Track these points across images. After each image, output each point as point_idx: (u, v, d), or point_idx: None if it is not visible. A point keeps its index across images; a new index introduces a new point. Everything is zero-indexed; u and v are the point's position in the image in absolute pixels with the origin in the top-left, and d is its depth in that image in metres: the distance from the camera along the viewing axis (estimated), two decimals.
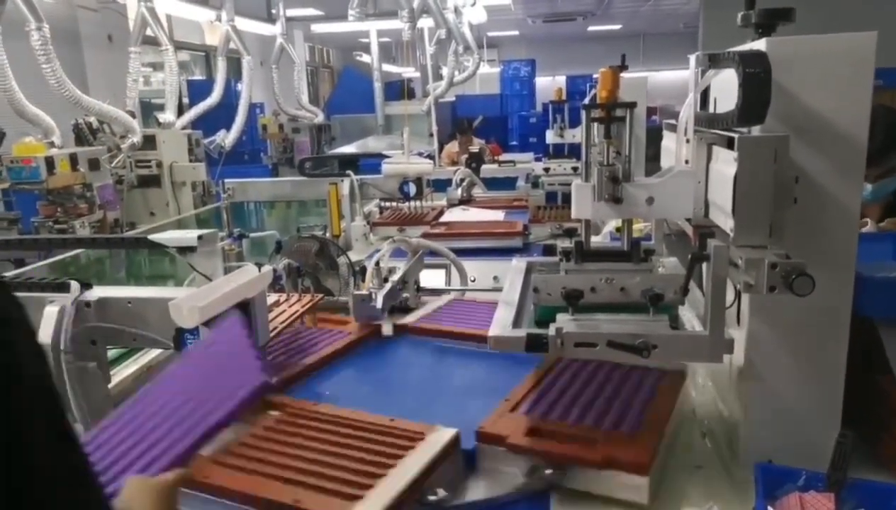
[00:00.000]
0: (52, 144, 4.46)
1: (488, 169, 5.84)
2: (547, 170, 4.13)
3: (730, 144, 1.22)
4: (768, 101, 1.12)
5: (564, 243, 1.51)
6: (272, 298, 2.02)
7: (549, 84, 13.39)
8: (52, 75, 4.36)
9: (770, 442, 1.34)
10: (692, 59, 1.34)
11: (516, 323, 1.44)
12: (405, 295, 2.29)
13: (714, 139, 1.33)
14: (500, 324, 1.39)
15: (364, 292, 2.03)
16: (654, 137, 1.84)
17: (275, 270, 2.00)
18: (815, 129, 1.22)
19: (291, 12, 8.51)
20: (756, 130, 1.23)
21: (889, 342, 1.34)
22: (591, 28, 14.93)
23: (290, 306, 1.99)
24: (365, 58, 10.50)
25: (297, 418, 1.41)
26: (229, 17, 6.96)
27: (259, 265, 1.61)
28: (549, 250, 1.99)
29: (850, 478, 1.15)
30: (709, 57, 1.29)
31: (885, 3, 5.28)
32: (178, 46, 10.29)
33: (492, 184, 5.35)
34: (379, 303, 2.01)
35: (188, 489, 1.13)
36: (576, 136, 3.62)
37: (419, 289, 2.42)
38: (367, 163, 6.50)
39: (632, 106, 1.33)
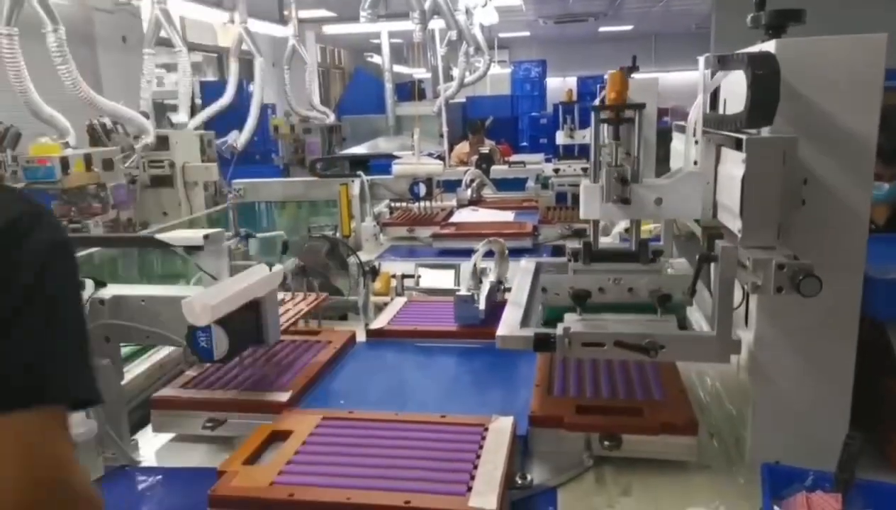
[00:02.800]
0: (66, 145, 4.50)
1: (498, 170, 5.84)
2: (557, 171, 4.13)
3: (738, 146, 1.23)
4: (776, 102, 1.12)
5: (573, 244, 1.52)
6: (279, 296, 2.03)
7: (559, 85, 13.39)
8: (68, 76, 4.40)
9: (777, 442, 1.34)
10: (701, 60, 1.35)
11: (524, 322, 1.45)
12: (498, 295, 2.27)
13: (723, 140, 1.33)
14: (509, 324, 1.40)
15: (466, 293, 2.03)
16: (665, 138, 1.85)
17: (285, 275, 2.02)
18: (824, 131, 1.22)
19: (303, 14, 8.55)
20: (765, 132, 1.23)
21: None
22: (602, 29, 14.89)
23: (295, 305, 2.00)
24: (376, 59, 10.54)
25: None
26: (242, 19, 7.00)
27: (270, 265, 1.63)
28: (558, 251, 2.00)
29: (858, 479, 1.15)
30: (718, 58, 1.30)
31: None
32: (191, 48, 10.34)
33: (502, 184, 5.35)
34: (481, 304, 2.01)
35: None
36: (585, 137, 3.61)
37: (506, 290, 2.40)
38: (378, 163, 6.53)
39: (640, 107, 1.34)
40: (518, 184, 5.35)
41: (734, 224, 1.22)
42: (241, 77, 7.67)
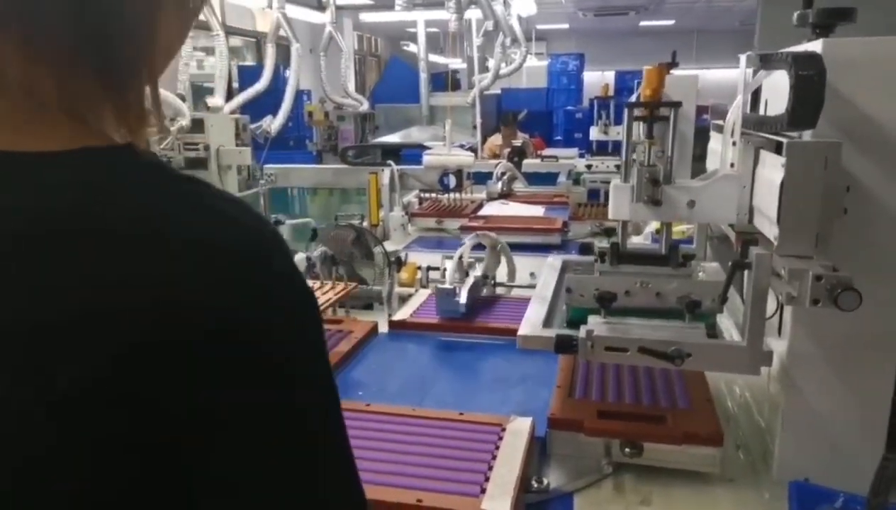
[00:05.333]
0: None
1: (530, 163, 5.77)
2: (589, 167, 4.06)
3: (778, 149, 1.17)
4: (821, 105, 1.06)
5: (602, 243, 1.48)
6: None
7: (597, 79, 13.17)
8: None
9: (807, 459, 1.29)
10: (742, 58, 1.29)
11: (547, 322, 1.42)
12: (485, 290, 2.27)
13: (762, 143, 1.28)
14: (530, 323, 1.37)
15: (448, 286, 2.02)
16: (703, 136, 1.79)
17: (309, 258, 2.01)
18: (870, 136, 1.16)
19: (341, 1, 8.55)
20: (807, 135, 1.17)
21: None
22: (642, 23, 14.62)
23: (324, 294, 1.99)
24: (412, 48, 10.50)
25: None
26: (280, 5, 7.02)
27: (294, 252, 1.62)
28: (585, 248, 1.95)
29: (892, 505, 1.10)
30: (760, 57, 1.24)
31: None
32: (231, 32, 10.45)
33: (533, 178, 5.29)
34: (463, 298, 2.00)
35: None
36: (620, 133, 3.54)
37: (496, 285, 2.39)
38: (410, 153, 6.52)
39: (677, 105, 1.29)
40: (550, 178, 5.28)
41: (770, 231, 1.17)
42: (279, 62, 7.71)
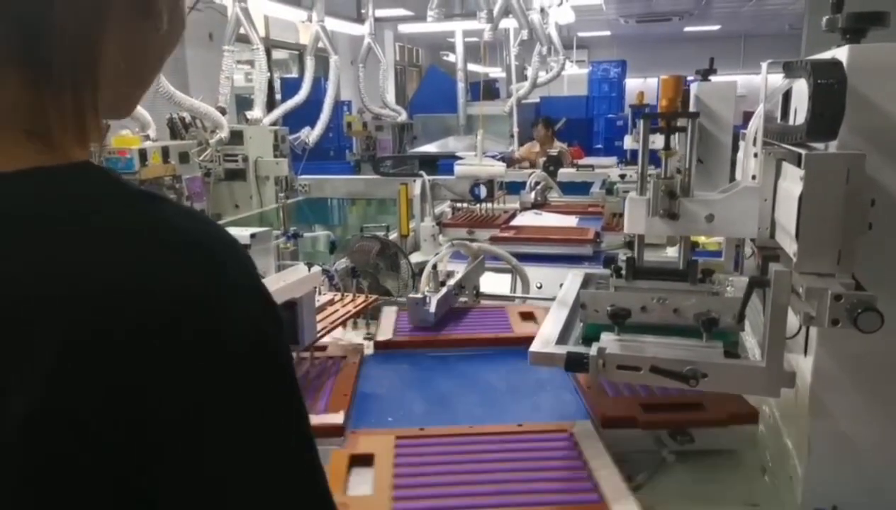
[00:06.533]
0: (147, 137, 4.70)
1: (565, 173, 5.71)
2: (623, 176, 3.97)
3: (799, 161, 1.12)
4: (841, 115, 1.01)
5: (623, 256, 1.44)
6: (327, 297, 2.03)
7: (640, 86, 13.00)
8: None
9: (835, 485, 1.22)
10: (763, 66, 1.24)
11: (563, 338, 1.39)
12: (463, 300, 2.26)
13: (784, 154, 1.22)
14: (543, 340, 1.34)
15: (419, 295, 2.01)
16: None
17: (327, 271, 2.02)
18: None
19: (381, 13, 8.64)
20: (832, 146, 1.12)
21: None
22: (687, 29, 14.38)
23: (343, 306, 1.99)
24: (452, 57, 10.54)
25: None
26: (319, 18, 7.13)
27: (310, 265, 1.63)
28: (609, 261, 1.91)
29: None
30: (783, 65, 1.19)
31: None
32: (275, 45, 10.67)
33: (569, 188, 5.22)
34: (432, 308, 1.98)
35: None
36: (655, 142, 3.46)
37: (479, 295, 2.38)
38: (446, 163, 6.52)
39: (694, 116, 1.25)
40: (586, 188, 5.20)
41: (790, 247, 1.12)
42: (319, 74, 7.83)
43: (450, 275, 2.21)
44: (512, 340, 1.93)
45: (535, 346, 1.31)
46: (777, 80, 1.31)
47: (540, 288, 2.69)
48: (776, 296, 1.10)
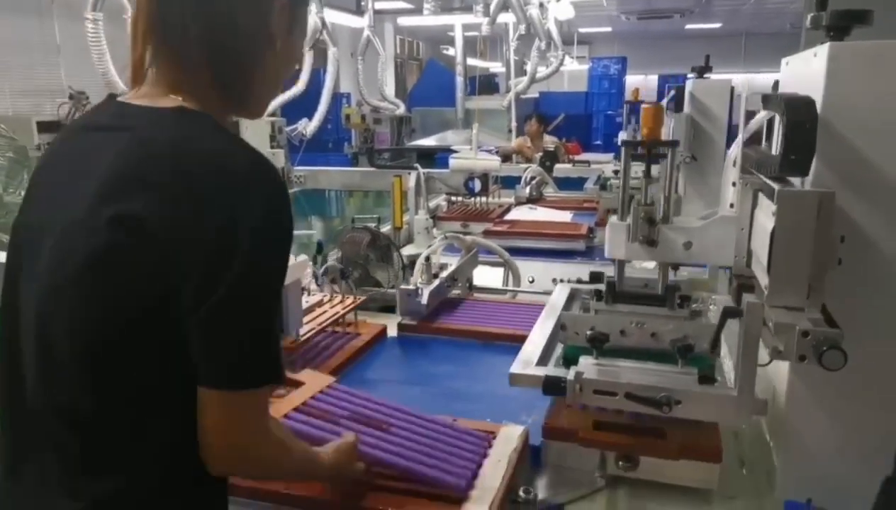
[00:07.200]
0: None
1: (561, 168, 5.70)
2: (616, 172, 3.96)
3: (773, 194, 1.14)
4: (812, 152, 1.04)
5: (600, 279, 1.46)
6: (316, 298, 2.03)
7: (640, 83, 12.97)
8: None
9: (810, 480, 1.22)
10: (742, 97, 1.26)
11: (543, 358, 1.41)
12: (455, 292, 2.27)
13: (760, 185, 1.25)
14: (522, 361, 1.37)
15: (411, 287, 2.02)
16: (749, 138, 1.73)
17: (316, 276, 2.03)
18: (870, 181, 1.12)
19: (381, 5, 8.60)
20: (808, 182, 1.14)
21: None
22: (688, 26, 14.33)
23: (332, 307, 1.98)
24: (452, 51, 10.50)
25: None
26: (318, 9, 7.10)
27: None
28: (595, 277, 1.93)
29: None
30: (762, 97, 1.21)
31: None
32: None
33: (564, 183, 5.21)
34: (424, 299, 2.00)
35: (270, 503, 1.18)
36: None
37: (472, 287, 2.39)
38: (443, 157, 6.52)
39: (674, 145, 1.27)
40: (581, 183, 5.18)
41: (763, 279, 1.14)
42: (319, 66, 7.80)
43: (443, 267, 2.21)
44: None
45: (514, 368, 1.34)
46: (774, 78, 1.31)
47: (532, 282, 2.69)
48: (748, 326, 1.12)
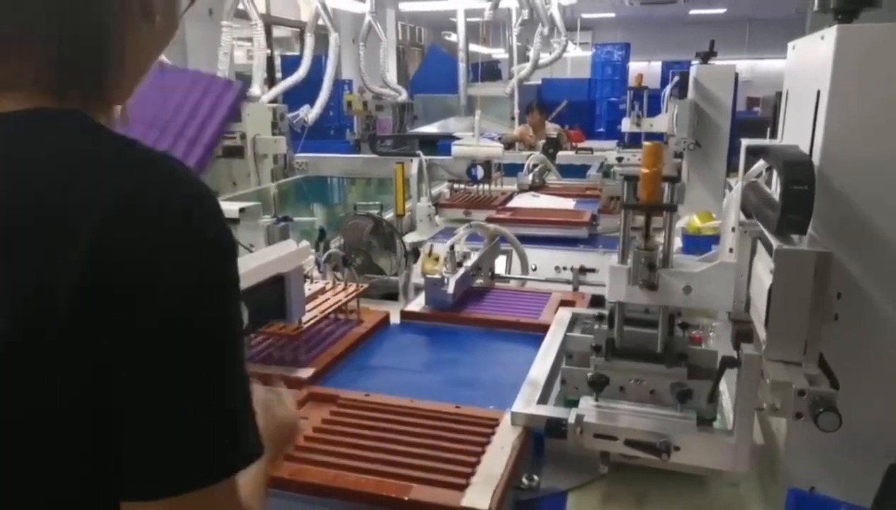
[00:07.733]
0: None
1: (564, 155, 5.67)
2: (620, 159, 3.91)
3: (770, 247, 1.16)
4: (810, 215, 1.06)
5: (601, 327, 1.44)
6: (318, 285, 2.03)
7: (644, 69, 12.84)
8: None
9: (814, 468, 1.24)
10: (743, 144, 1.28)
11: (543, 396, 1.44)
12: (479, 281, 2.28)
13: (759, 233, 1.27)
14: (524, 399, 1.40)
15: (437, 276, 2.03)
16: (752, 128, 1.71)
17: (318, 263, 2.02)
18: (866, 238, 1.14)
19: None
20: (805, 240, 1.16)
21: None
22: (692, 11, 14.18)
23: (335, 295, 1.98)
24: (454, 37, 10.43)
25: (357, 411, 1.42)
26: None
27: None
28: (597, 301, 1.94)
29: None
30: (758, 150, 1.23)
31: None
32: (275, 22, 10.53)
33: (567, 171, 5.19)
34: (451, 289, 2.00)
35: (278, 490, 1.16)
36: (653, 125, 3.45)
37: (493, 276, 2.39)
38: (445, 144, 6.51)
39: (672, 209, 1.28)
40: (584, 171, 5.16)
41: (761, 331, 1.17)
42: (321, 52, 7.75)
43: (466, 256, 2.19)
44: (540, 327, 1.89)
45: (515, 407, 1.37)
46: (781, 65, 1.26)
47: (535, 270, 2.71)
48: (745, 378, 1.15)
